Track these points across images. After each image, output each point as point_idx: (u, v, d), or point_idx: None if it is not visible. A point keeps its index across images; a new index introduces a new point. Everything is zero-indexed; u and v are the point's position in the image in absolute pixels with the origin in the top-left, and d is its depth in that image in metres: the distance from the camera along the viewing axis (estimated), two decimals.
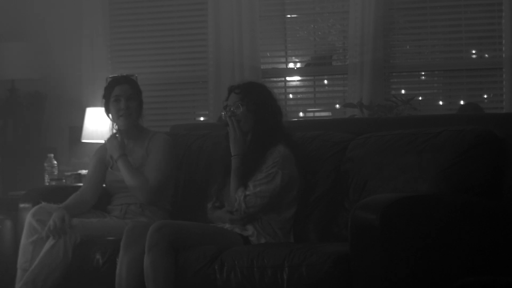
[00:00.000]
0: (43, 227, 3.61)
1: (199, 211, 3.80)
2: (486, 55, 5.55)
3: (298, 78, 5.84)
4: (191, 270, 3.24)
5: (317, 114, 5.87)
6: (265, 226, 3.48)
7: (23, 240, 3.65)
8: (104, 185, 3.98)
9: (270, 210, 3.48)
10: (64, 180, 4.95)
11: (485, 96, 5.56)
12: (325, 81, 5.88)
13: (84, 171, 5.05)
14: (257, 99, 3.57)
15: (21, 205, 3.90)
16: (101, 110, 5.27)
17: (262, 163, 3.47)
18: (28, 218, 3.66)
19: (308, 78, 5.84)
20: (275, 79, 5.74)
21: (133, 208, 3.82)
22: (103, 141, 5.18)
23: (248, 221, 3.48)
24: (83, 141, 5.30)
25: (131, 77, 3.99)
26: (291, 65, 5.82)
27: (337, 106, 5.72)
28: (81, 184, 4.70)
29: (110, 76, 4.05)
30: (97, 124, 5.24)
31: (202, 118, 5.94)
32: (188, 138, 4.13)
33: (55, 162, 5.01)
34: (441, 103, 5.59)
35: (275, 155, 3.47)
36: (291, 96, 5.79)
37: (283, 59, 5.85)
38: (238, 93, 3.60)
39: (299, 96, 5.91)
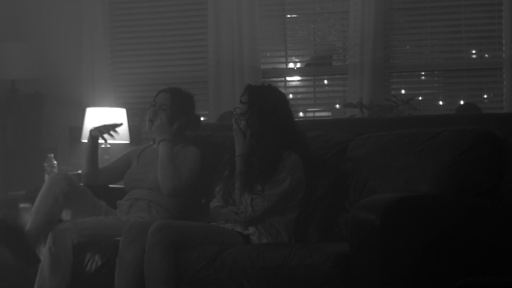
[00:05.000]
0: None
1: (201, 211, 3.81)
2: (486, 55, 5.55)
3: (298, 78, 5.84)
4: (191, 270, 3.24)
5: (317, 114, 5.88)
6: (268, 227, 3.48)
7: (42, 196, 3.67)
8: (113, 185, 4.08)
9: (275, 212, 3.48)
10: None
11: (485, 96, 5.56)
12: (325, 81, 5.88)
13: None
14: (263, 108, 3.54)
15: (21, 205, 3.89)
16: (101, 110, 5.30)
17: (272, 168, 3.47)
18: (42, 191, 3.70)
19: (308, 78, 5.84)
20: (275, 79, 5.74)
21: (140, 203, 3.84)
22: (102, 141, 5.23)
23: (252, 224, 3.48)
24: (83, 141, 5.30)
25: (184, 91, 4.05)
26: (291, 65, 5.82)
27: (337, 106, 5.73)
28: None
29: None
30: (97, 124, 5.23)
31: (202, 118, 5.92)
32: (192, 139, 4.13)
33: (55, 162, 5.01)
34: (441, 103, 5.59)
35: (285, 161, 3.47)
36: (291, 96, 5.79)
37: (283, 59, 5.85)
38: (244, 102, 3.58)
39: (299, 96, 5.91)
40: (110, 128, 4.01)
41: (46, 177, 4.96)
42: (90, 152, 4.02)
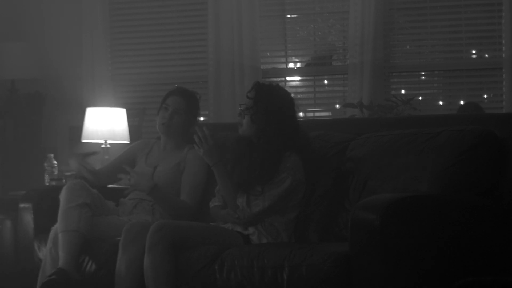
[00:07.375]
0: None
1: (201, 211, 3.80)
2: (486, 55, 5.55)
3: (298, 78, 5.85)
4: (191, 270, 3.24)
5: (317, 114, 5.88)
6: (268, 227, 3.48)
7: (66, 205, 3.58)
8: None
9: (274, 212, 3.49)
10: (64, 180, 4.95)
11: (485, 96, 5.56)
12: (325, 81, 5.88)
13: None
14: (268, 106, 3.54)
15: (21, 205, 3.90)
16: (101, 110, 5.30)
17: (272, 168, 3.47)
18: (71, 184, 3.66)
19: (308, 78, 5.84)
20: (275, 79, 5.74)
21: (145, 205, 3.82)
22: (102, 141, 5.23)
23: (252, 224, 3.48)
24: (83, 141, 5.30)
25: (193, 94, 4.03)
26: (291, 65, 5.82)
27: (337, 106, 5.73)
28: None
29: (177, 85, 4.10)
30: (97, 124, 5.24)
31: (202, 118, 5.93)
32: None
33: (55, 162, 5.01)
34: (441, 103, 5.59)
35: (286, 161, 3.47)
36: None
37: (283, 59, 5.85)
38: (250, 98, 3.59)
39: (299, 96, 5.91)
40: (85, 157, 3.93)
41: (46, 177, 4.96)
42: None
